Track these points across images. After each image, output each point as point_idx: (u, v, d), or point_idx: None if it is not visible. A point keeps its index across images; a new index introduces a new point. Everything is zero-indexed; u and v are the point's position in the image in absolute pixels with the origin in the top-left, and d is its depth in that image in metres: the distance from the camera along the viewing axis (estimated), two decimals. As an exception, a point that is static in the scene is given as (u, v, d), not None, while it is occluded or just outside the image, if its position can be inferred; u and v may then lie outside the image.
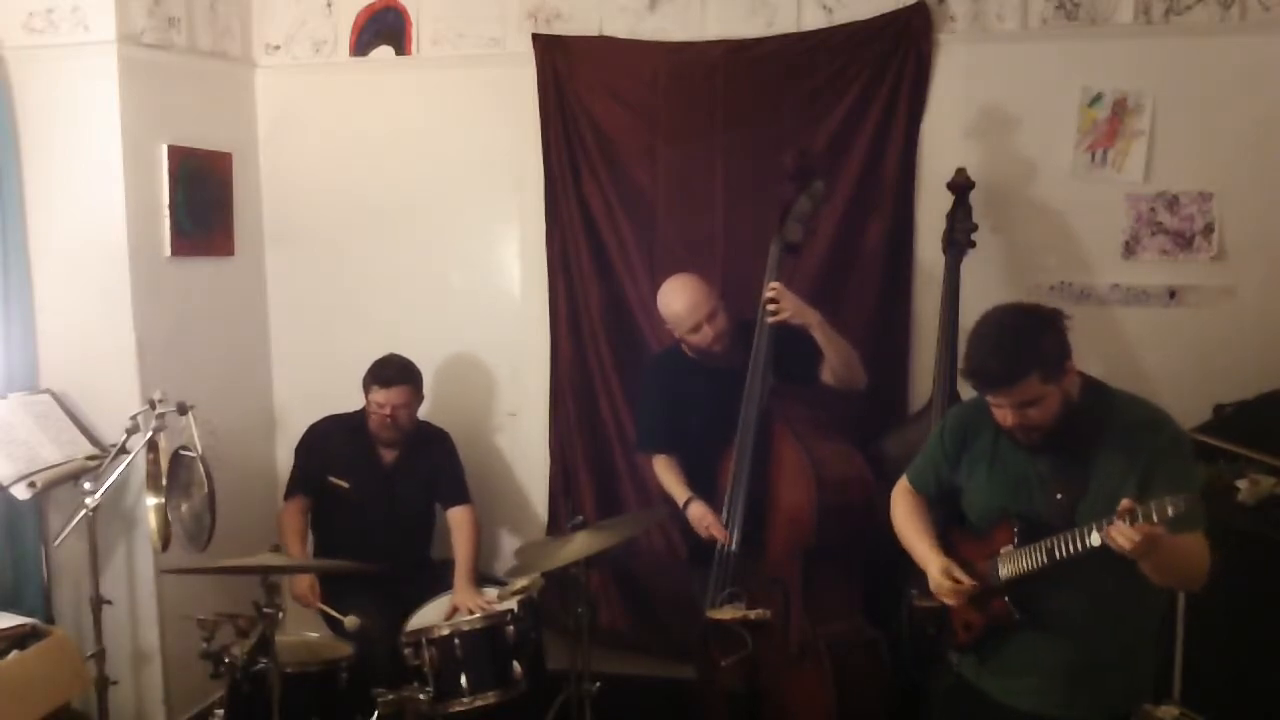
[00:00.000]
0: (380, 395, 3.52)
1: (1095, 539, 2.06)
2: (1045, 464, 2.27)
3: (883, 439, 3.40)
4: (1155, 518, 1.94)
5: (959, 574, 2.32)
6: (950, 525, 2.49)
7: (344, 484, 3.59)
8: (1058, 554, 2.15)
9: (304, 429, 3.75)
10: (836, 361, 3.11)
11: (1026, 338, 2.15)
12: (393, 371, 3.55)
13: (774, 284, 3.10)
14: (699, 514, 3.20)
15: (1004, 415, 2.21)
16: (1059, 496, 2.24)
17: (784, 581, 3.03)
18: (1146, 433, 2.20)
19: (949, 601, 2.35)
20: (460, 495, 3.66)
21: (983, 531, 2.37)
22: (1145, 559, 2.03)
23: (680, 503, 3.26)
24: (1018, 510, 2.28)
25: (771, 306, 3.08)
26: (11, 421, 3.36)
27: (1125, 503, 1.99)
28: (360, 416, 3.63)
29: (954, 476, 2.44)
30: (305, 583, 3.46)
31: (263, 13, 4.03)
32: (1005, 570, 2.26)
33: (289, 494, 3.69)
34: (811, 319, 3.09)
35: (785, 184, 3.21)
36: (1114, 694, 2.28)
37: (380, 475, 3.62)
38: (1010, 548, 2.26)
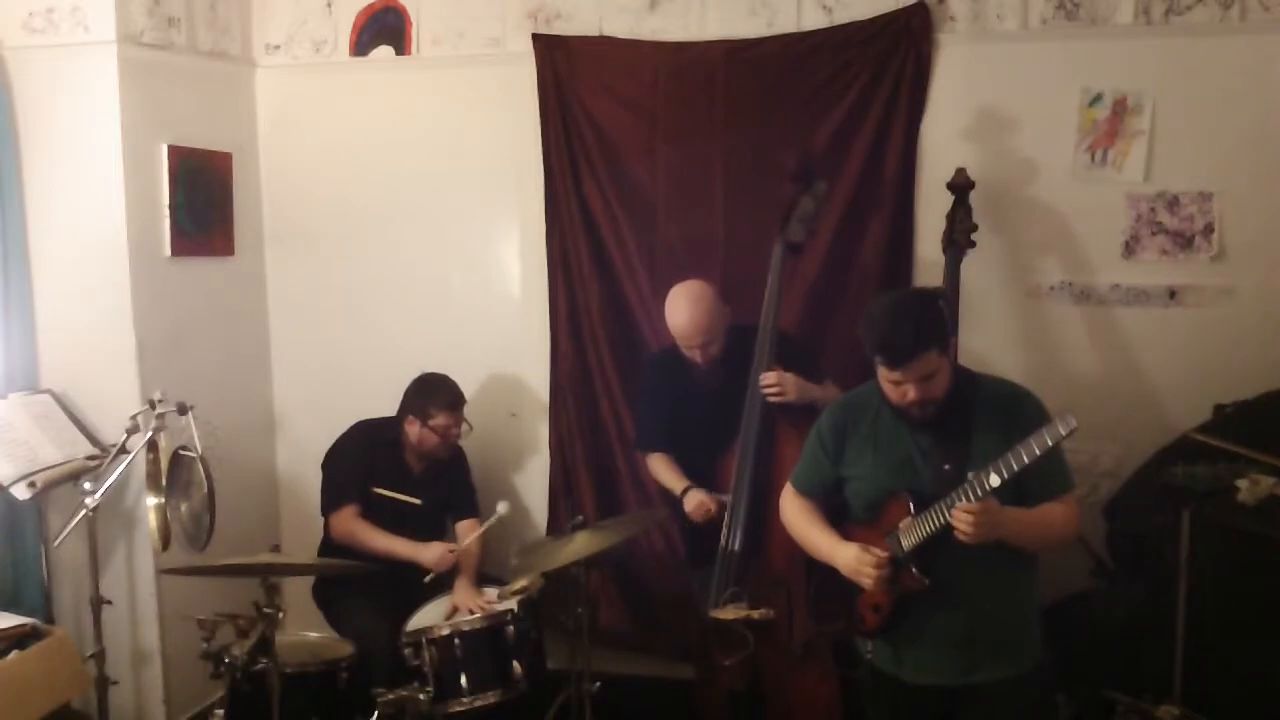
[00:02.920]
0: (445, 418, 3.51)
1: (994, 480, 2.17)
2: (926, 440, 2.37)
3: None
4: (1004, 473, 2.14)
5: (874, 550, 2.37)
6: (839, 523, 2.55)
7: (416, 500, 3.56)
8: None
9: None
10: None
11: (924, 315, 2.29)
12: (455, 393, 3.55)
13: (768, 372, 3.08)
14: (696, 500, 3.16)
15: (904, 391, 2.30)
16: (946, 467, 2.32)
17: (786, 581, 3.02)
18: (1015, 404, 2.38)
19: (869, 582, 2.37)
20: (471, 509, 3.68)
21: (873, 517, 2.45)
22: (993, 535, 2.21)
23: (678, 492, 3.23)
24: (906, 487, 2.37)
25: (772, 391, 3.06)
26: (11, 421, 3.36)
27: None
28: (390, 428, 3.60)
29: (839, 470, 2.52)
30: (441, 551, 3.43)
31: (263, 13, 4.03)
32: (908, 541, 2.34)
33: (340, 503, 3.52)
34: (815, 394, 3.10)
35: (788, 185, 3.21)
36: (1008, 656, 2.37)
37: (412, 485, 3.61)
38: (909, 519, 2.34)
